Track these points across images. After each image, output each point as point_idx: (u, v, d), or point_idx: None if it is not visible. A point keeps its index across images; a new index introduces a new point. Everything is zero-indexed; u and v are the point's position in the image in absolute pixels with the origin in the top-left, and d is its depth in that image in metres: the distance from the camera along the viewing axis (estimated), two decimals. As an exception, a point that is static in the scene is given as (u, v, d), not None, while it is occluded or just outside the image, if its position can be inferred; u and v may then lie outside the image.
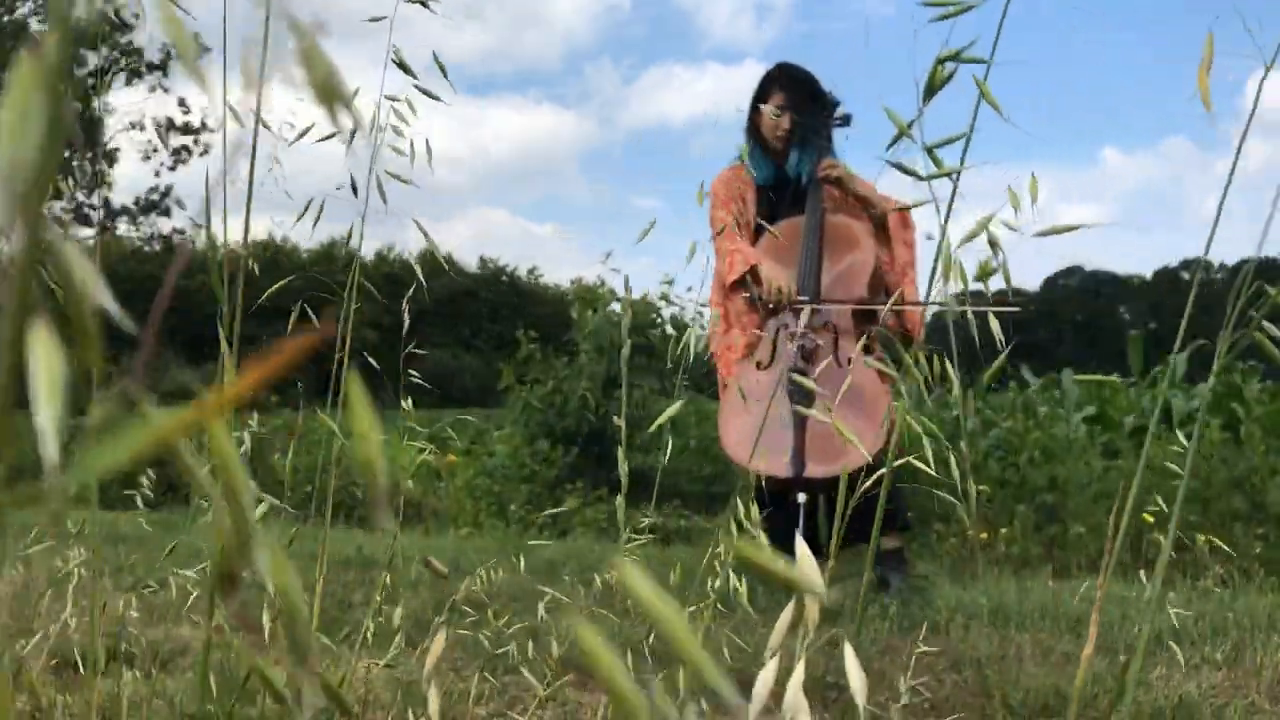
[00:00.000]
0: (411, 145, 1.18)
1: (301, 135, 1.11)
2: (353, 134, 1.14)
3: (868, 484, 0.92)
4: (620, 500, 1.12)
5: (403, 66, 1.14)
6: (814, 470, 2.66)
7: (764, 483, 2.75)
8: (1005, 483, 4.97)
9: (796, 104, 3.03)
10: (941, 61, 0.68)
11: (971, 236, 0.75)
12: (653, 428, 1.12)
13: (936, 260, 0.82)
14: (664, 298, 6.23)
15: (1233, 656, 2.14)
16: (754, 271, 2.93)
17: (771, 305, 2.89)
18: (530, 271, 40.50)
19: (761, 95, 3.11)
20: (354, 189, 1.17)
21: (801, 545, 0.47)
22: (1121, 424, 6.04)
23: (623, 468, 1.08)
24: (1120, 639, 2.27)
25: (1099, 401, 6.69)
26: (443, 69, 1.16)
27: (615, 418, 1.15)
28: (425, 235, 1.27)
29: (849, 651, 0.42)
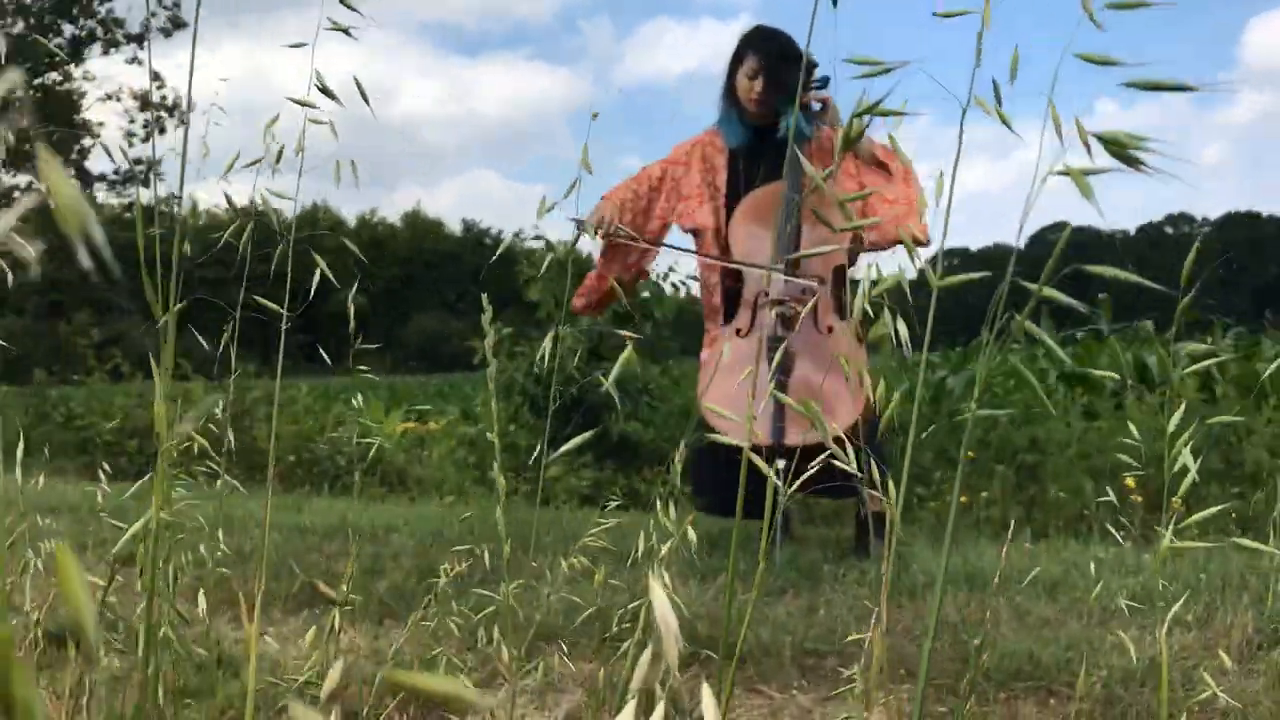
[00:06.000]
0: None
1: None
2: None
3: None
4: (544, 463, 1.12)
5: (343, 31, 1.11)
6: (794, 438, 2.67)
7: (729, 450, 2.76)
8: (986, 443, 5.01)
9: (772, 66, 2.98)
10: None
11: (848, 143, 0.75)
12: (545, 344, 1.08)
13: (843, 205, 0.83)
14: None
15: (1205, 618, 2.17)
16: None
17: (601, 235, 2.91)
18: (516, 234, 40.24)
19: (737, 57, 3.06)
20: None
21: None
22: (1102, 385, 6.07)
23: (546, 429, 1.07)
24: (1097, 602, 2.29)
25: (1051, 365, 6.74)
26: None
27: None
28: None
29: (655, 587, 0.39)
